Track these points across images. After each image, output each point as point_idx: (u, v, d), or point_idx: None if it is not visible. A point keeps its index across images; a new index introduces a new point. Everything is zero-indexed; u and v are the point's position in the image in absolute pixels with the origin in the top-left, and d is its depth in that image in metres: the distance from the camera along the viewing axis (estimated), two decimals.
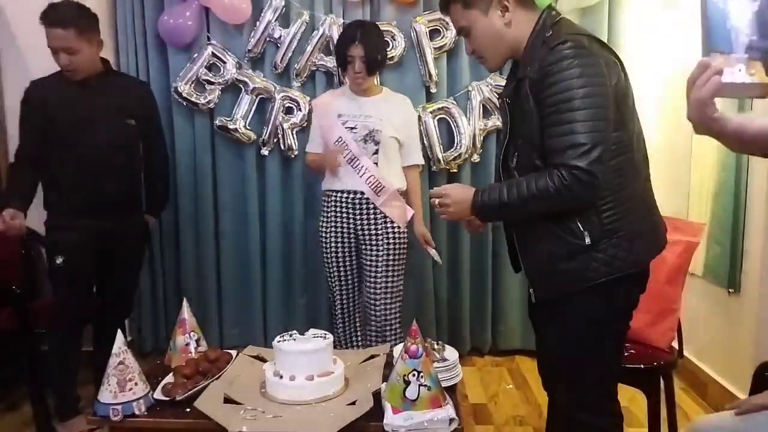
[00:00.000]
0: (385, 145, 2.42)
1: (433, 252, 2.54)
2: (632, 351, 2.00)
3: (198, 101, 2.99)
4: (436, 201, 1.54)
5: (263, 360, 1.86)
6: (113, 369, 1.57)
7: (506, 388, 2.85)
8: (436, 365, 1.65)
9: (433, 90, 3.02)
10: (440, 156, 2.99)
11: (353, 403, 1.57)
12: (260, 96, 3.02)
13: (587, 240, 1.38)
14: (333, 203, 2.48)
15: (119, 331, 1.64)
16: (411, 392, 1.48)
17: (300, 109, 3.00)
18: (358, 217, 2.45)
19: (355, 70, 2.35)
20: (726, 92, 0.90)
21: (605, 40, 2.87)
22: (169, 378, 1.73)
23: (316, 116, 2.57)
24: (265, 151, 3.05)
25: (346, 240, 2.48)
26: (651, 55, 2.99)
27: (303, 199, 3.11)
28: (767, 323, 2.25)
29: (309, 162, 2.62)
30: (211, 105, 3.02)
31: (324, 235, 2.52)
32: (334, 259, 2.51)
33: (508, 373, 3.02)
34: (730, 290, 2.46)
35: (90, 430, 2.19)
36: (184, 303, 1.95)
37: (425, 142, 2.92)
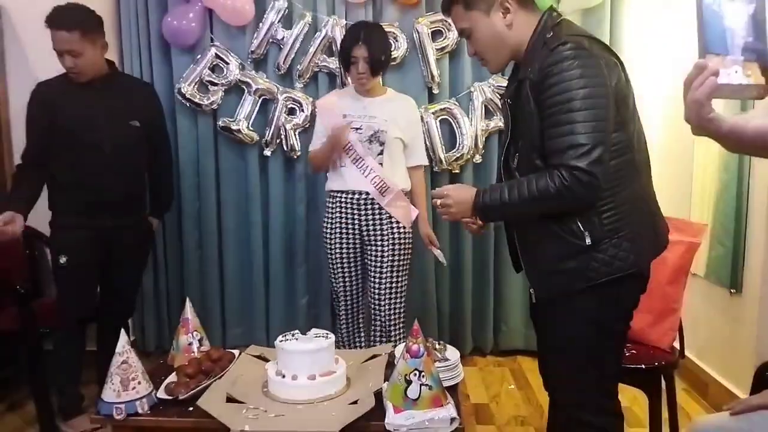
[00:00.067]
0: (390, 145, 2.42)
1: (437, 252, 2.54)
2: (633, 351, 2.00)
3: (201, 102, 3.01)
4: (438, 202, 1.55)
5: (265, 359, 1.87)
6: (117, 368, 1.58)
7: (508, 389, 2.85)
8: (438, 365, 1.66)
9: (435, 91, 3.03)
10: (442, 156, 2.99)
11: (355, 403, 1.58)
12: (263, 97, 3.03)
13: (588, 240, 1.39)
14: (337, 204, 2.48)
15: (123, 331, 1.64)
16: (412, 392, 1.49)
17: (302, 110, 3.01)
18: (362, 217, 2.45)
19: (359, 70, 2.35)
20: (722, 93, 0.91)
21: (607, 41, 2.90)
22: (172, 377, 1.74)
23: (320, 116, 2.56)
24: (267, 152, 3.06)
25: (350, 240, 2.49)
26: (653, 55, 2.99)
27: (305, 200, 3.12)
28: None
29: (311, 158, 2.58)
30: (215, 106, 3.03)
31: (328, 235, 2.52)
32: (338, 260, 2.51)
33: (510, 374, 3.02)
34: (732, 290, 2.46)
35: (93, 429, 2.20)
36: (187, 303, 1.96)
37: (427, 142, 2.93)
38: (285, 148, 3.05)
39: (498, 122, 2.98)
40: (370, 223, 2.45)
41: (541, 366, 1.67)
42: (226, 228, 3.16)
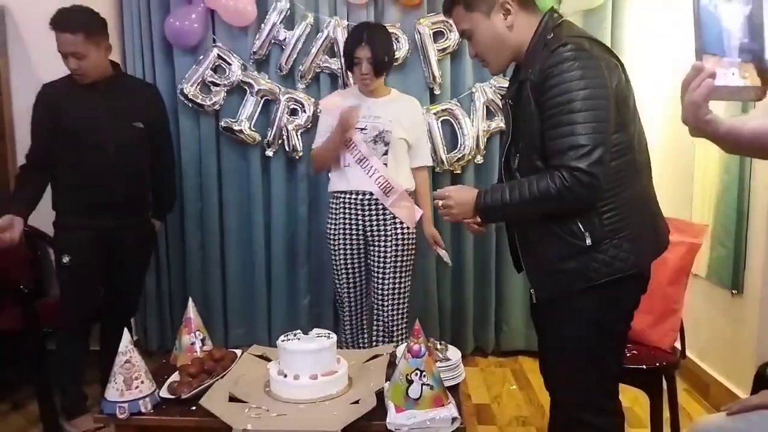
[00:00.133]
0: (394, 145, 2.42)
1: (442, 253, 2.53)
2: (634, 352, 2.00)
3: (204, 103, 3.01)
4: (440, 203, 1.56)
5: (268, 359, 1.88)
6: (120, 367, 1.59)
7: (509, 389, 2.85)
8: (439, 365, 1.66)
9: (437, 92, 3.03)
10: (444, 157, 3.00)
11: (357, 402, 1.59)
12: (265, 97, 3.04)
13: (588, 241, 1.39)
14: (341, 204, 2.48)
15: (126, 330, 1.66)
16: (414, 391, 1.50)
17: (304, 111, 3.02)
18: (366, 217, 2.45)
19: (362, 71, 2.35)
20: (719, 95, 0.91)
21: (608, 42, 2.91)
22: (175, 376, 1.75)
23: (324, 116, 2.55)
24: (269, 152, 3.07)
25: (354, 241, 2.48)
26: (654, 56, 2.99)
27: (307, 200, 3.13)
28: None
29: (315, 155, 2.53)
30: (217, 106, 3.04)
31: (332, 236, 2.51)
32: (342, 261, 2.50)
33: (512, 374, 3.03)
34: (734, 291, 2.46)
35: (97, 428, 2.21)
36: (190, 302, 1.96)
37: (429, 143, 2.93)
38: (287, 149, 3.06)
39: (499, 123, 2.98)
40: (374, 223, 2.45)
41: (542, 366, 1.67)
42: (229, 228, 3.17)
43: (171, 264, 3.21)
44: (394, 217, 2.44)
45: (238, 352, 1.95)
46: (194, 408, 1.59)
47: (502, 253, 3.11)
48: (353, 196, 2.45)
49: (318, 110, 2.96)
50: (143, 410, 1.58)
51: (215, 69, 3.02)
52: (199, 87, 3.01)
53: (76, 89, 2.29)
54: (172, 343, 2.04)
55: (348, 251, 2.49)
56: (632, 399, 2.40)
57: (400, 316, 2.50)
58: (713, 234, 2.54)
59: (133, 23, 3.03)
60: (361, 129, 2.41)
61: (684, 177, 2.79)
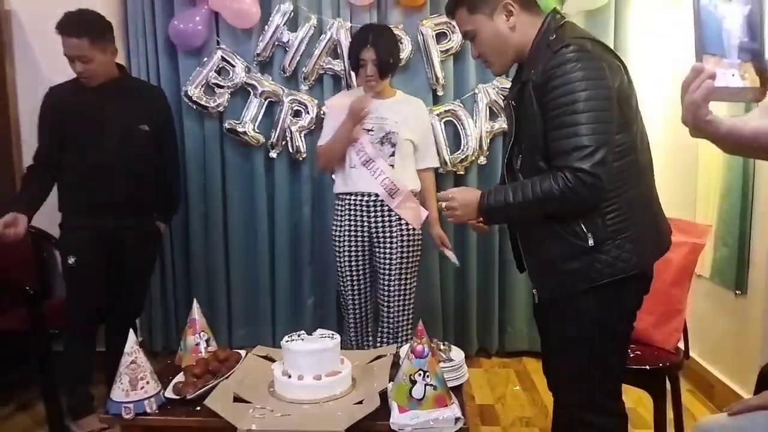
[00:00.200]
0: (401, 147, 2.42)
1: (449, 253, 2.53)
2: (638, 352, 2.00)
3: (207, 105, 3.03)
4: (443, 204, 1.56)
5: (272, 360, 1.88)
6: (125, 368, 1.59)
7: (513, 390, 2.86)
8: (442, 365, 1.67)
9: (440, 93, 3.04)
10: (447, 158, 3.00)
11: (360, 403, 1.59)
12: (269, 99, 3.05)
13: (590, 241, 1.40)
14: (346, 206, 2.47)
15: (131, 331, 1.66)
16: (417, 392, 1.50)
17: (308, 112, 3.03)
18: (372, 218, 2.44)
19: (367, 73, 2.35)
20: (719, 96, 0.92)
21: (612, 42, 2.91)
22: (180, 377, 1.76)
23: (332, 116, 2.52)
24: (273, 154, 3.08)
25: (359, 242, 2.47)
26: (657, 56, 2.99)
27: (311, 201, 3.14)
28: None
29: (322, 151, 2.49)
30: (221, 108, 3.05)
31: (337, 238, 2.50)
32: (347, 263, 2.50)
33: (515, 375, 3.03)
34: (737, 292, 2.46)
35: (102, 428, 2.23)
36: (195, 304, 1.97)
37: None
38: (290, 150, 3.07)
39: (502, 124, 2.99)
40: (379, 224, 2.44)
41: (545, 366, 1.68)
42: (232, 229, 3.19)
43: (175, 265, 3.23)
44: (400, 219, 2.44)
45: (243, 352, 1.96)
46: (199, 408, 1.60)
47: (505, 254, 3.11)
48: (358, 198, 2.45)
49: (322, 113, 2.98)
50: (148, 410, 1.59)
51: (219, 71, 3.03)
52: (203, 89, 3.03)
53: (82, 92, 2.30)
54: (176, 344, 2.05)
55: (353, 253, 2.49)
56: (636, 400, 2.40)
57: (405, 318, 2.50)
58: (717, 234, 2.54)
59: (138, 25, 3.05)
60: (368, 130, 2.41)
61: (687, 177, 2.79)
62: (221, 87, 3.03)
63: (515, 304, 3.20)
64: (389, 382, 1.66)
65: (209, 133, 3.11)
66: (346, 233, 2.48)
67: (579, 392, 1.51)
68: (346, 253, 2.49)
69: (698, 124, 0.92)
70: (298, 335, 1.72)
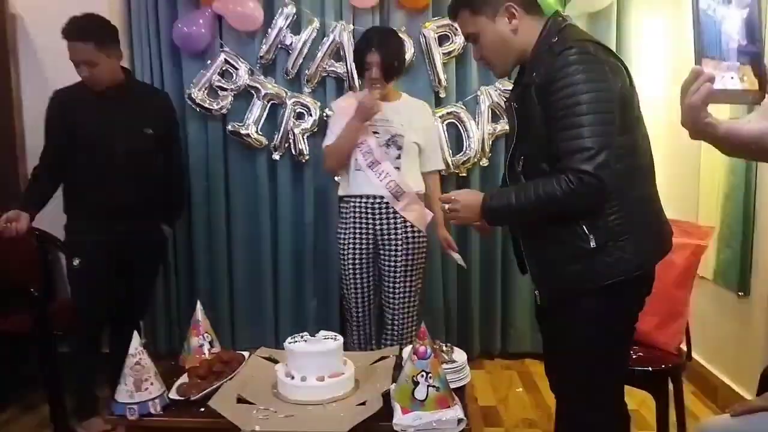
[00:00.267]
0: (407, 149, 2.42)
1: (456, 256, 2.52)
2: (640, 354, 2.00)
3: (211, 107, 3.04)
4: (446, 206, 1.57)
5: (275, 361, 1.89)
6: (130, 369, 1.60)
7: (516, 391, 2.86)
8: (445, 366, 1.67)
9: (442, 95, 3.05)
10: (449, 160, 3.01)
11: (363, 404, 1.60)
12: (272, 102, 3.06)
13: (593, 243, 1.40)
14: (351, 209, 2.47)
15: (135, 333, 1.67)
16: (420, 393, 1.51)
17: (311, 115, 3.04)
18: (377, 221, 2.44)
19: (372, 76, 2.35)
20: (718, 99, 0.92)
21: (613, 45, 2.92)
22: (184, 378, 1.77)
23: (339, 116, 2.50)
24: (276, 156, 3.09)
25: (364, 245, 2.46)
26: (659, 58, 3.00)
27: (314, 203, 3.15)
28: None
29: (329, 152, 2.47)
30: (224, 111, 3.06)
31: (342, 241, 2.50)
32: (351, 266, 2.49)
33: (518, 376, 3.03)
34: (740, 293, 2.45)
35: (107, 430, 2.24)
36: (198, 305, 1.98)
37: None
38: (293, 152, 3.07)
39: (504, 126, 2.99)
40: (385, 227, 2.44)
41: (547, 367, 1.68)
42: (236, 231, 3.20)
43: (179, 267, 3.24)
44: (405, 221, 2.44)
45: (246, 354, 1.97)
46: (203, 409, 1.61)
47: (507, 255, 3.11)
48: (363, 200, 2.44)
49: (325, 115, 2.99)
50: (153, 412, 1.60)
51: (223, 74, 3.04)
52: (206, 91, 3.04)
53: (87, 95, 2.32)
54: (180, 346, 2.06)
55: (358, 257, 2.48)
56: (639, 401, 2.39)
57: (410, 320, 2.50)
58: (720, 236, 2.54)
59: (142, 29, 3.06)
60: (374, 132, 2.41)
61: (690, 179, 2.79)
62: (224, 90, 3.04)
63: (518, 306, 3.20)
64: (392, 383, 1.67)
65: (213, 136, 3.12)
66: (351, 236, 2.47)
67: (582, 393, 1.51)
68: (351, 257, 2.48)
69: (698, 127, 0.93)
70: (301, 337, 1.73)
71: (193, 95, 3.02)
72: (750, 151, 0.97)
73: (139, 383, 1.59)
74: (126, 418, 1.59)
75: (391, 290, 2.48)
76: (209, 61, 3.03)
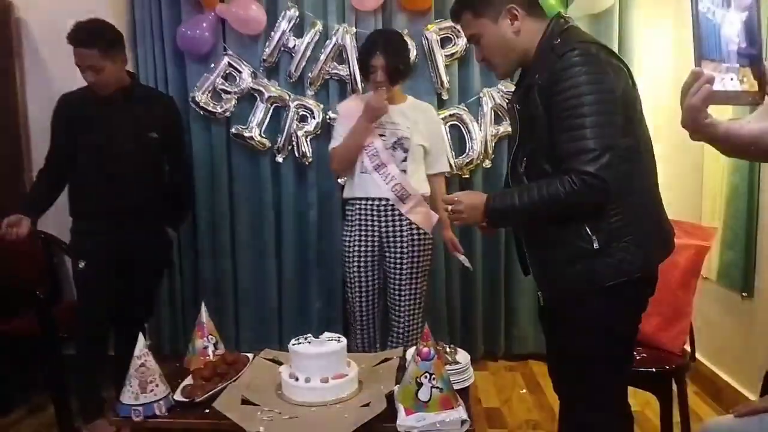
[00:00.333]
0: (413, 152, 2.42)
1: (462, 258, 2.52)
2: (644, 355, 2.00)
3: (215, 110, 3.05)
4: (449, 207, 1.57)
5: (279, 363, 1.90)
6: (135, 371, 1.61)
7: (520, 393, 2.86)
8: (448, 368, 1.67)
9: (445, 97, 3.05)
10: (452, 162, 3.01)
11: (367, 405, 1.60)
12: (275, 104, 3.08)
13: (595, 244, 1.40)
14: (357, 211, 2.47)
15: (140, 335, 1.68)
16: (423, 394, 1.51)
17: (314, 117, 3.05)
18: (383, 223, 2.43)
19: (377, 79, 2.34)
20: (717, 100, 0.93)
21: (616, 46, 2.92)
22: (189, 380, 1.77)
23: (345, 118, 2.49)
24: (279, 158, 3.11)
25: (369, 248, 2.46)
26: (662, 59, 3.00)
27: (317, 205, 3.15)
28: None
29: (336, 153, 2.45)
30: (228, 114, 3.08)
31: (347, 243, 2.49)
32: (356, 268, 2.48)
33: (522, 378, 3.03)
34: (744, 294, 2.45)
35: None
36: (203, 307, 1.99)
37: None
38: (297, 155, 3.09)
39: (507, 127, 2.99)
40: (390, 229, 2.44)
41: (551, 368, 1.68)
42: (239, 233, 3.20)
43: (183, 269, 3.25)
44: (411, 223, 2.43)
45: (250, 355, 1.97)
46: (208, 411, 1.62)
47: (511, 257, 3.11)
48: (369, 203, 2.44)
49: (328, 118, 3.00)
50: (158, 413, 1.60)
51: (226, 77, 3.06)
52: (210, 94, 3.05)
53: (93, 99, 2.33)
54: (184, 347, 2.07)
55: (363, 260, 2.47)
56: (643, 402, 2.39)
57: (415, 322, 2.49)
58: (723, 236, 2.53)
59: (146, 33, 3.08)
60: (380, 135, 2.41)
61: (693, 180, 2.79)
62: (228, 93, 3.05)
63: (521, 307, 3.20)
64: (395, 384, 1.68)
65: (216, 138, 3.13)
66: (357, 239, 2.47)
67: (585, 394, 1.51)
68: (356, 259, 2.48)
69: (697, 127, 0.94)
70: (305, 338, 1.73)
71: (196, 98, 3.03)
72: (749, 151, 0.98)
73: (144, 385, 1.60)
74: (131, 420, 1.59)
75: (396, 293, 2.47)
76: (213, 65, 3.04)
